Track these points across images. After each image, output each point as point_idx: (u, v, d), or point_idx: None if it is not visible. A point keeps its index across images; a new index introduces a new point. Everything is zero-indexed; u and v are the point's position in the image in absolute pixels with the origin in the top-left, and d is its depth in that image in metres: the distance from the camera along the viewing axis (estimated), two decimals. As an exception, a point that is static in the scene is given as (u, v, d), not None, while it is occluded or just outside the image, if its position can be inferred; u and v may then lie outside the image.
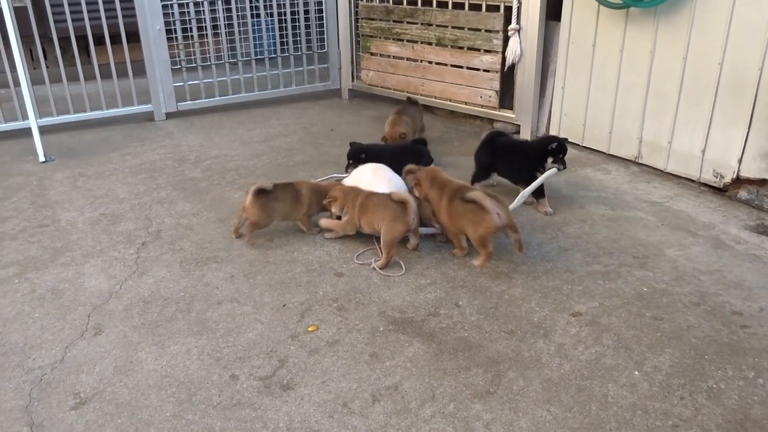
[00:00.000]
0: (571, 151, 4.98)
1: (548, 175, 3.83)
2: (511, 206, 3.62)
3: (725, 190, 4.12)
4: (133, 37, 5.81)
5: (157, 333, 2.83)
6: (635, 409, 2.37)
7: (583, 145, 5.01)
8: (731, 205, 4.01)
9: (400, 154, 4.19)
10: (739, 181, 4.03)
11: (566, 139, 4.00)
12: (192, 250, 3.56)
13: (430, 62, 5.77)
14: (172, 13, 5.87)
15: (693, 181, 4.31)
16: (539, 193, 3.92)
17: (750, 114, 3.87)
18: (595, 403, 2.40)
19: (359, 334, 2.81)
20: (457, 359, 2.65)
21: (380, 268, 3.32)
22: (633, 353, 2.68)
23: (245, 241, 3.58)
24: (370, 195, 3.51)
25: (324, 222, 3.65)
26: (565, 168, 3.91)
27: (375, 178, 3.75)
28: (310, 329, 2.85)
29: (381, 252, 3.40)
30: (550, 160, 3.86)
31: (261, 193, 3.50)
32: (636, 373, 2.56)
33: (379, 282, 3.23)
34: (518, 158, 4.07)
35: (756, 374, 2.53)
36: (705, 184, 4.24)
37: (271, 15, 6.55)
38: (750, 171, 3.96)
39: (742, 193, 4.02)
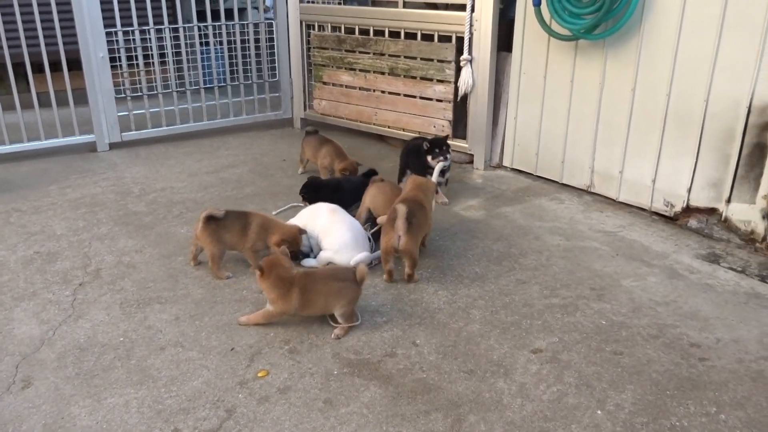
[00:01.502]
0: (524, 180, 5.02)
1: (438, 169, 4.33)
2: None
3: (676, 219, 4.16)
4: (75, 64, 5.59)
5: (92, 384, 2.62)
6: (600, 451, 2.29)
7: (537, 174, 5.03)
8: (682, 234, 4.05)
9: (361, 188, 4.10)
10: (689, 210, 4.08)
11: (438, 137, 4.48)
12: (134, 291, 3.35)
13: (383, 92, 5.73)
14: (117, 41, 5.67)
15: (645, 210, 4.35)
16: (437, 185, 4.28)
17: (697, 144, 3.93)
18: (558, 446, 2.32)
19: (312, 379, 2.66)
20: (415, 403, 2.53)
21: (343, 335, 2.99)
22: (595, 391, 2.61)
23: (214, 276, 3.44)
24: (310, 275, 3.02)
25: (244, 320, 3.06)
26: (446, 161, 4.39)
27: (331, 220, 3.62)
28: (259, 374, 2.68)
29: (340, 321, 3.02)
30: (429, 157, 4.38)
31: (211, 220, 3.38)
32: (599, 412, 2.49)
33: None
34: (415, 157, 4.55)
35: (717, 409, 2.49)
36: (656, 213, 4.28)
37: (221, 43, 6.42)
38: (699, 200, 4.02)
39: (693, 222, 4.07)
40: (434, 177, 4.30)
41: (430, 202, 3.69)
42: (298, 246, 3.54)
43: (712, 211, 3.97)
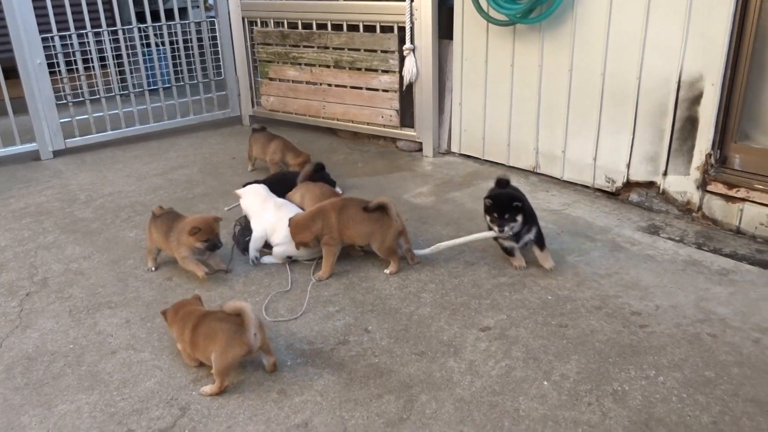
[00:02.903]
0: (473, 165, 5.11)
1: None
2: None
3: (618, 194, 4.30)
4: (12, 72, 5.44)
5: (42, 393, 2.59)
6: (546, 420, 2.38)
7: (485, 158, 5.12)
8: (624, 208, 4.19)
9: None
10: (629, 185, 4.22)
11: (509, 193, 3.37)
12: (83, 297, 3.31)
13: (330, 85, 5.74)
14: (54, 46, 5.54)
15: (588, 187, 4.48)
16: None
17: (633, 121, 4.07)
18: (507, 418, 2.39)
19: (265, 371, 2.69)
20: (368, 387, 2.58)
21: (210, 393, 2.57)
22: (541, 363, 2.70)
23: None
24: (206, 315, 2.66)
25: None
26: (506, 231, 3.26)
27: (277, 216, 3.60)
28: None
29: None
30: (488, 218, 3.34)
31: (153, 217, 3.50)
32: (545, 383, 2.58)
33: (285, 313, 3.12)
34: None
35: (656, 372, 2.61)
36: (599, 190, 4.42)
37: (163, 44, 6.33)
38: (638, 174, 4.16)
39: (633, 196, 4.21)
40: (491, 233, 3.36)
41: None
42: (213, 234, 3.31)
43: (650, 185, 4.12)
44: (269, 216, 3.61)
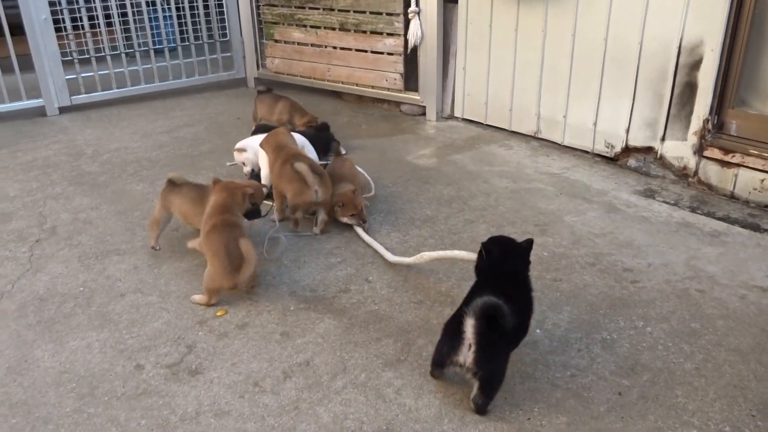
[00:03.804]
0: (475, 130, 5.17)
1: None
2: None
3: (616, 159, 4.37)
4: (18, 29, 5.47)
5: (54, 330, 2.70)
6: (537, 364, 2.49)
7: (487, 123, 5.17)
8: (622, 173, 4.26)
9: (314, 142, 4.17)
10: (628, 150, 4.29)
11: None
12: (91, 244, 3.41)
13: (335, 47, 5.76)
14: (59, 2, 5.56)
15: (587, 152, 4.54)
16: None
17: (634, 86, 4.11)
18: (500, 361, 2.50)
19: (270, 315, 2.79)
20: (367, 332, 2.69)
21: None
22: (535, 313, 2.78)
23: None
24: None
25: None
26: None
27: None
28: (218, 314, 2.80)
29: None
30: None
31: (172, 185, 3.29)
32: (538, 331, 2.68)
33: (289, 263, 3.22)
34: None
35: (644, 323, 2.71)
36: (598, 155, 4.48)
37: (168, 3, 6.33)
38: (637, 140, 4.22)
39: (632, 161, 4.28)
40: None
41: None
42: (261, 200, 3.28)
43: (648, 150, 4.18)
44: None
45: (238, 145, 4.04)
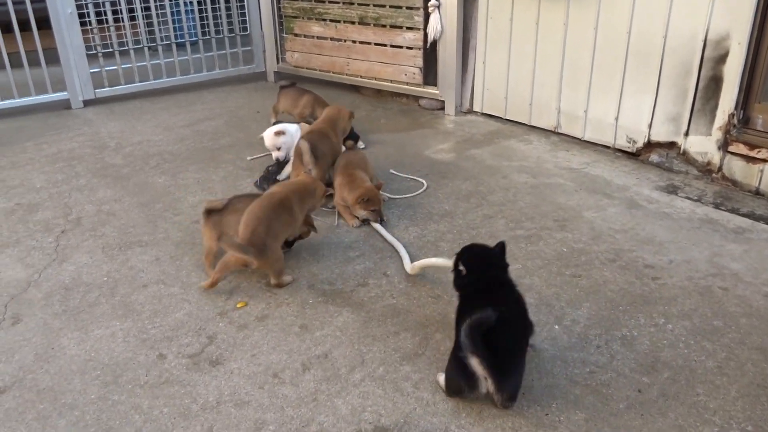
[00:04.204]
0: (494, 124, 5.15)
1: None
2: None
3: (638, 155, 4.32)
4: (44, 23, 5.55)
5: (79, 319, 2.75)
6: (555, 360, 2.48)
7: (506, 118, 5.15)
8: (644, 168, 4.22)
9: None
10: (650, 146, 4.24)
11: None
12: (115, 236, 3.46)
13: (354, 41, 5.77)
14: (85, -4, 5.64)
15: (608, 147, 4.50)
16: None
17: (657, 80, 4.07)
18: (518, 356, 2.50)
19: (288, 308, 2.82)
20: (386, 325, 2.70)
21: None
22: (553, 309, 2.79)
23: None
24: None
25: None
26: None
27: None
28: (238, 306, 2.83)
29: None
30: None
31: (213, 213, 3.04)
32: (556, 327, 2.68)
33: (308, 257, 3.24)
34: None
35: (665, 320, 2.69)
36: (620, 150, 4.44)
37: (190, -3, 6.39)
38: (660, 135, 4.17)
39: (654, 157, 4.24)
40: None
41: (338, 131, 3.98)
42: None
43: (671, 145, 4.13)
44: None
45: (278, 127, 4.10)
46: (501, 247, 2.44)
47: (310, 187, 3.19)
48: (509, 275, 2.44)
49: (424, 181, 4.03)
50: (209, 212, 3.01)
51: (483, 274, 2.38)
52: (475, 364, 2.05)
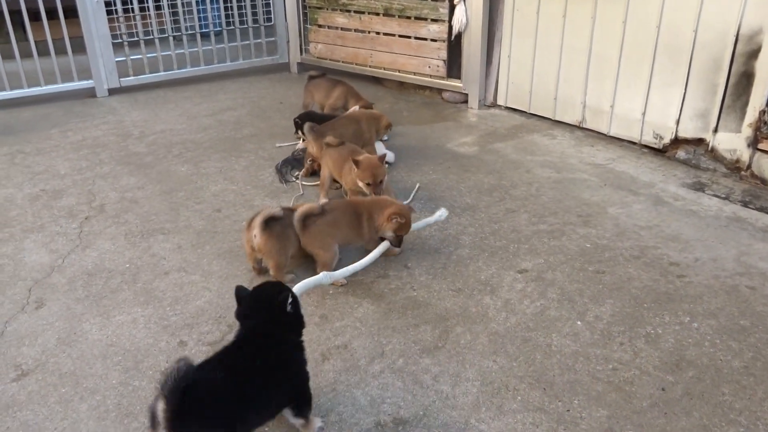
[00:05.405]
0: (518, 118, 5.10)
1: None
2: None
3: (665, 151, 4.25)
4: (71, 12, 5.60)
5: (101, 304, 2.78)
6: (577, 356, 2.45)
7: (530, 112, 5.09)
8: (670, 165, 4.15)
9: None
10: (677, 142, 4.16)
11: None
12: (137, 223, 3.49)
13: (378, 33, 5.74)
14: (111, -14, 5.68)
15: (634, 143, 4.43)
16: None
17: (686, 75, 3.99)
18: (539, 352, 2.47)
19: (309, 298, 2.81)
20: (406, 317, 2.68)
21: None
22: (576, 305, 2.76)
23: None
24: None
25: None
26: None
27: None
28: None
29: None
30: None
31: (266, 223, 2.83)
32: (579, 323, 2.64)
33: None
34: None
35: (691, 319, 2.64)
36: (646, 146, 4.37)
37: (215, -13, 6.40)
38: (687, 131, 4.09)
39: (681, 153, 4.16)
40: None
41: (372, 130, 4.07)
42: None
43: (699, 142, 4.05)
44: None
45: None
46: (284, 297, 1.98)
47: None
48: (292, 338, 2.03)
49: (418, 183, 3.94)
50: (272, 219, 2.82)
51: (248, 318, 2.00)
52: (159, 410, 1.68)
